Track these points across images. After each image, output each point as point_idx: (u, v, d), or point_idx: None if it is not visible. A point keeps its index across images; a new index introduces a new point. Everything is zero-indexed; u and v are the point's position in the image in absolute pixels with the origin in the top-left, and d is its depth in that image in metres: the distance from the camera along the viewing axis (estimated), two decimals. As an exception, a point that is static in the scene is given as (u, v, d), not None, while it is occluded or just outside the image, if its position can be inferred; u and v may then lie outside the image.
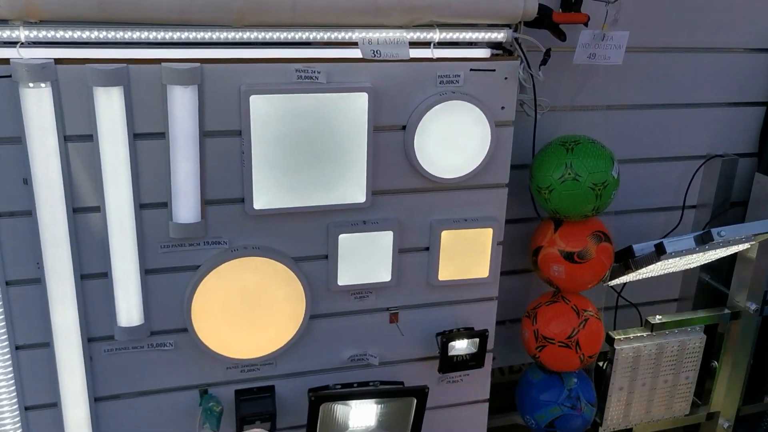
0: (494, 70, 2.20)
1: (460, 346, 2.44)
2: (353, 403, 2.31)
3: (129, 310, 2.12)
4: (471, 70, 2.17)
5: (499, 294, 2.52)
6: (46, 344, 2.09)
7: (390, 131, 2.18)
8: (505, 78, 2.21)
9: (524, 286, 2.81)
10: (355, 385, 2.38)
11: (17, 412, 2.12)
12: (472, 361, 2.46)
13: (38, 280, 2.02)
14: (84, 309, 2.09)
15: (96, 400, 2.20)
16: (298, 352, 2.35)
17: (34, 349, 2.10)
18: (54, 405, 2.16)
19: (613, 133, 2.51)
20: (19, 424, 2.14)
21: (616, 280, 2.67)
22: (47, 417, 2.17)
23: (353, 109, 2.08)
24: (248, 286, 2.19)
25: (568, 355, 2.51)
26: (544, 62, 2.20)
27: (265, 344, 2.29)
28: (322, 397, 2.25)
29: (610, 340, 2.71)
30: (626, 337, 2.71)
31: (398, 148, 2.20)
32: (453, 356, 2.44)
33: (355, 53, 2.06)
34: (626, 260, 2.56)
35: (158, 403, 2.27)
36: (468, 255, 2.38)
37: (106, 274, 2.07)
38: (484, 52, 2.21)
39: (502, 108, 2.25)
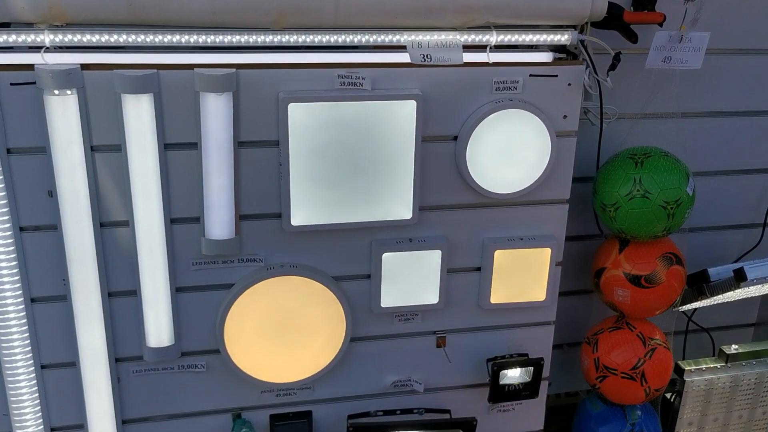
0: (557, 76, 2.00)
1: (513, 375, 2.25)
2: (395, 434, 2.15)
3: (159, 329, 2.00)
4: (531, 75, 1.98)
5: (556, 316, 2.32)
6: (72, 364, 1.99)
7: (440, 142, 2.00)
8: (569, 84, 2.01)
9: (585, 307, 2.60)
10: (397, 412, 2.24)
11: (43, 433, 2.03)
12: (526, 391, 2.27)
13: (64, 297, 1.92)
14: (111, 328, 1.98)
15: (124, 422, 2.10)
16: (338, 377, 2.20)
17: (59, 369, 2.00)
18: (80, 426, 2.06)
19: (688, 145, 2.27)
20: (45, 446, 2.05)
21: (688, 305, 2.43)
22: (74, 438, 2.08)
23: (400, 118, 1.92)
24: (285, 307, 2.05)
25: (633, 387, 2.29)
26: (612, 67, 1.99)
27: (302, 368, 2.14)
28: (361, 427, 2.09)
29: (679, 371, 2.48)
30: (698, 368, 2.47)
31: (449, 161, 2.02)
32: (505, 385, 2.25)
33: (403, 58, 1.89)
34: (700, 285, 2.32)
35: (189, 427, 2.16)
36: (523, 276, 2.19)
37: (134, 292, 1.96)
38: (545, 56, 2.01)
39: (565, 117, 2.05)
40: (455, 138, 2.01)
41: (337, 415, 2.23)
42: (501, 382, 2.24)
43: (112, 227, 1.89)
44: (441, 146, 2.01)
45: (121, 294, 1.96)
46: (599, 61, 2.02)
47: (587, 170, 2.29)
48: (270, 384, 2.13)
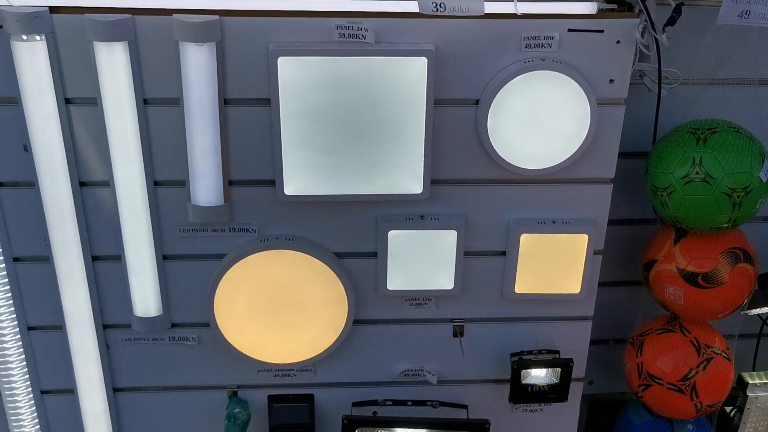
0: (602, 31, 1.68)
1: (538, 375, 1.99)
2: (398, 431, 1.95)
3: (145, 298, 1.87)
4: (569, 30, 1.67)
5: (603, 308, 2.07)
6: (59, 327, 1.90)
7: (457, 106, 1.73)
8: (618, 42, 1.69)
9: (635, 300, 2.26)
10: (409, 402, 2.03)
11: (31, 395, 1.96)
12: (552, 394, 2.01)
13: (47, 258, 1.82)
14: (97, 293, 1.87)
15: (115, 390, 2.00)
16: (342, 361, 2.02)
17: (47, 331, 1.92)
18: (71, 391, 1.99)
19: (767, 119, 1.89)
20: (35, 408, 1.98)
21: (757, 310, 2.06)
22: (65, 403, 2.01)
23: (409, 77, 1.66)
24: (280, 283, 1.87)
25: (681, 401, 1.98)
26: (671, 21, 1.64)
27: (300, 349, 1.97)
28: (357, 420, 1.90)
29: (742, 384, 2.12)
30: (764, 383, 2.11)
31: (467, 128, 1.76)
32: (528, 385, 2.00)
33: (413, 7, 1.62)
34: (773, 287, 1.96)
35: (183, 401, 2.04)
36: (555, 265, 1.92)
37: (119, 257, 1.83)
38: (589, 7, 1.69)
39: (611, 81, 1.73)
40: (476, 102, 1.73)
41: (342, 400, 2.05)
42: (523, 382, 1.99)
43: (93, 187, 1.76)
44: (458, 111, 1.74)
45: (105, 258, 1.85)
46: (658, 14, 1.68)
47: (644, 144, 1.95)
48: (266, 363, 1.98)
